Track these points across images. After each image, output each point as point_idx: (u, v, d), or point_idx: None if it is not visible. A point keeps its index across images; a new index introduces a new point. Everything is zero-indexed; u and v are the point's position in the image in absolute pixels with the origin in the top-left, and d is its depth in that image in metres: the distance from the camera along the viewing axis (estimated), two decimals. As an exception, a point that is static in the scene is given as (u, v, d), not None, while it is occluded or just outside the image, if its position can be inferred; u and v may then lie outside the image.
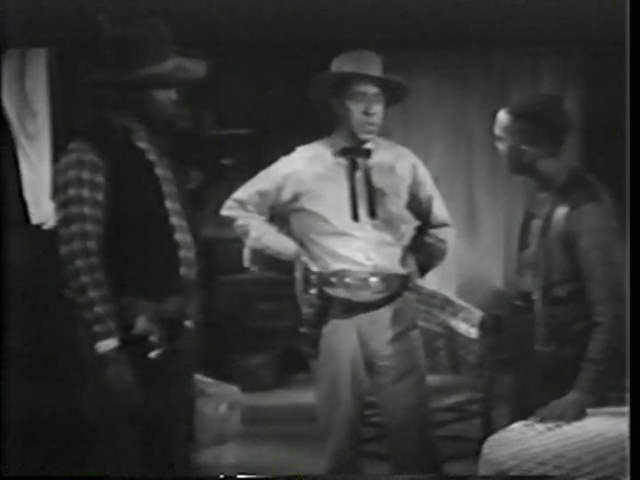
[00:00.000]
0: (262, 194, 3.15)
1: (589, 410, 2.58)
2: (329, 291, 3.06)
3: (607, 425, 2.49)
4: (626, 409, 2.28)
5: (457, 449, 3.62)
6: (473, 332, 3.90)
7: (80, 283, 2.45)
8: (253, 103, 5.62)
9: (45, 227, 5.12)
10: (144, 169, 2.60)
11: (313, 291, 3.06)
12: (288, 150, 3.21)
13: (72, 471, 3.37)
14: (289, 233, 3.17)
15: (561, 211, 2.69)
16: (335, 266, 3.07)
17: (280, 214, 3.18)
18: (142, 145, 2.62)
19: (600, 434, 2.43)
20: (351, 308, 3.07)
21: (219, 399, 4.34)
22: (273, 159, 3.22)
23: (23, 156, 5.10)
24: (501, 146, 2.80)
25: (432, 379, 3.36)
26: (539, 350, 2.72)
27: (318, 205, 3.09)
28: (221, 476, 2.54)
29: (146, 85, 2.56)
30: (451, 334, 4.00)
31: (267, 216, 3.17)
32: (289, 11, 4.49)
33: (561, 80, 5.91)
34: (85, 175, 2.49)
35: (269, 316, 5.54)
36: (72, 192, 2.48)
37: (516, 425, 2.56)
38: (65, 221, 2.49)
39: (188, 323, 2.66)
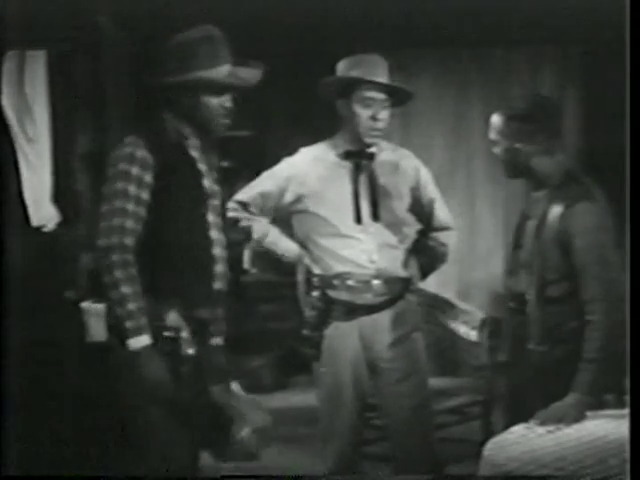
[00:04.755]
0: (264, 196, 3.15)
1: (589, 413, 2.58)
2: (331, 293, 3.06)
3: (607, 428, 2.49)
4: (625, 411, 2.29)
5: (458, 451, 3.62)
6: (473, 334, 3.90)
7: (114, 278, 2.44)
8: (255, 105, 5.62)
9: (45, 229, 5.12)
10: (193, 178, 2.58)
11: (315, 293, 3.06)
12: (291, 152, 3.21)
13: (72, 471, 3.38)
14: (291, 235, 3.17)
15: (556, 210, 2.70)
16: (337, 268, 3.07)
17: (283, 216, 3.18)
18: (194, 154, 2.60)
19: (600, 437, 2.44)
20: (353, 310, 3.07)
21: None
22: (276, 160, 3.22)
23: (23, 158, 5.10)
24: (496, 150, 2.82)
25: (433, 381, 3.37)
26: (533, 350, 2.73)
27: (321, 207, 3.09)
28: (221, 475, 2.52)
29: (198, 89, 2.54)
30: (452, 337, 4.00)
31: (269, 218, 3.17)
32: (291, 13, 4.49)
33: (561, 81, 5.92)
34: (134, 171, 2.48)
35: (270, 318, 5.55)
36: (119, 186, 2.47)
37: (517, 427, 2.56)
38: (107, 214, 2.48)
39: (218, 340, 2.64)
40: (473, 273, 5.86)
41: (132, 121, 2.70)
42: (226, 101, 2.57)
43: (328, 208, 3.08)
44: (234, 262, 2.70)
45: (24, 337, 3.98)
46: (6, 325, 3.31)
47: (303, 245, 3.13)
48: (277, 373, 5.60)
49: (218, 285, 2.59)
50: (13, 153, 5.13)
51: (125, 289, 2.43)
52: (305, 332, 3.09)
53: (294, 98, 4.97)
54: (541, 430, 2.51)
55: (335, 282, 3.07)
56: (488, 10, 4.77)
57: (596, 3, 4.32)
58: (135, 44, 5.23)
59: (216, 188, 2.64)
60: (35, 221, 5.14)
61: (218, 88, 2.55)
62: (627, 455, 2.13)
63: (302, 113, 3.95)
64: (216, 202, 2.63)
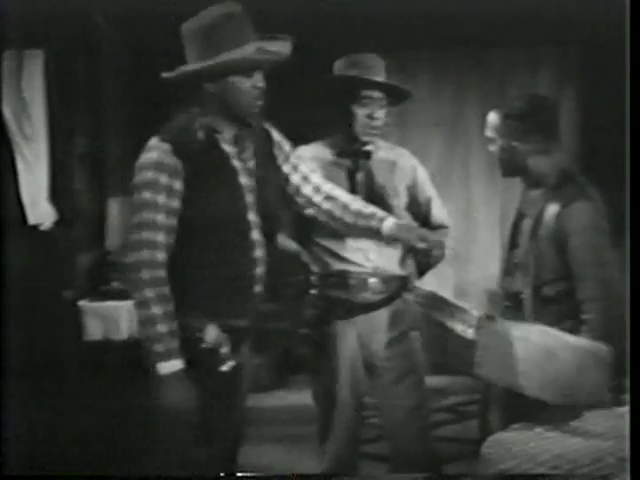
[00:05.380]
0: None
1: (586, 412, 2.58)
2: (329, 292, 3.07)
3: (605, 427, 2.49)
4: (621, 410, 2.30)
5: (456, 450, 3.63)
6: (470, 333, 3.90)
7: (143, 296, 2.28)
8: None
9: (42, 228, 5.13)
10: (227, 176, 2.40)
11: (313, 292, 3.06)
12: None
13: (72, 471, 3.38)
14: (289, 233, 3.17)
15: (552, 209, 2.70)
16: (335, 267, 3.08)
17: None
18: (227, 148, 2.42)
19: (598, 435, 2.44)
20: (351, 309, 3.07)
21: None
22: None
23: (20, 157, 5.10)
24: (493, 148, 2.82)
25: (431, 380, 3.37)
26: None
27: (318, 206, 3.09)
28: (221, 474, 2.50)
29: (227, 71, 2.33)
30: (449, 335, 4.00)
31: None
32: (290, 13, 4.49)
33: (559, 80, 5.93)
34: (163, 179, 2.31)
35: (268, 317, 5.53)
36: (147, 196, 2.30)
37: (515, 426, 2.56)
38: (137, 227, 2.31)
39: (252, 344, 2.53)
40: (470, 272, 5.87)
41: (147, 121, 2.53)
42: (258, 81, 2.37)
43: (325, 207, 3.08)
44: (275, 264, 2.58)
45: (22, 336, 3.98)
46: (5, 325, 3.31)
47: (301, 244, 3.13)
48: (276, 372, 5.59)
49: (258, 289, 2.46)
50: (10, 152, 5.13)
51: (156, 309, 2.28)
52: (303, 331, 3.09)
53: (292, 97, 4.96)
54: (539, 429, 2.51)
55: (333, 281, 3.07)
56: (485, 11, 4.77)
57: (594, 3, 4.33)
58: (142, 39, 5.19)
59: (253, 184, 2.45)
60: (32, 220, 5.14)
61: (248, 67, 2.34)
62: (627, 454, 2.13)
63: (300, 112, 3.94)
64: (254, 198, 2.45)
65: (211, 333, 2.38)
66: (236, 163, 2.44)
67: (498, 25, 5.12)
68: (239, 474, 2.57)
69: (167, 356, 2.29)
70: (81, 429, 3.89)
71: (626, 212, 2.26)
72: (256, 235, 2.45)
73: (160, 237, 2.32)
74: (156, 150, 2.34)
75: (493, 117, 2.80)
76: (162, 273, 2.32)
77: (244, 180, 2.45)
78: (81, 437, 3.81)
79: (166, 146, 2.34)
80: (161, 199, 2.32)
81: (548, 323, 2.68)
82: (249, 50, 2.33)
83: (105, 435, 3.89)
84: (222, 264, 2.39)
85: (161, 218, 2.32)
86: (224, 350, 2.39)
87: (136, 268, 2.31)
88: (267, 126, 2.56)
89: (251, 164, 2.48)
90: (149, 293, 2.29)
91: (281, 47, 2.39)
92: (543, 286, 2.70)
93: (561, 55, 5.90)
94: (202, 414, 2.33)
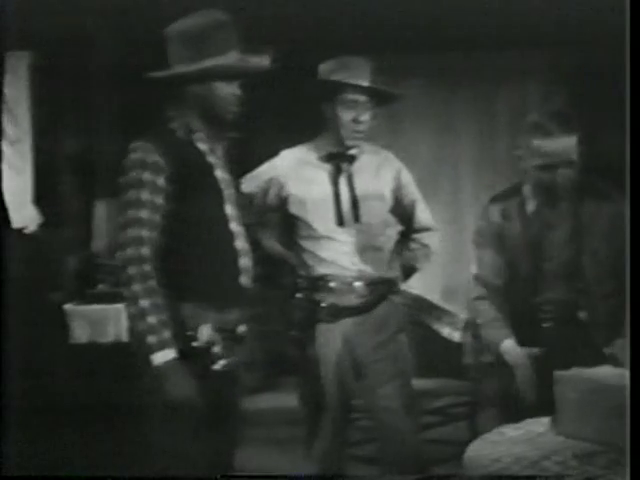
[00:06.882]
0: (247, 198, 3.14)
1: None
2: (315, 295, 3.06)
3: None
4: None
5: (444, 452, 3.63)
6: (457, 336, 3.92)
7: (132, 292, 2.36)
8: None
9: (26, 231, 5.11)
10: (205, 172, 2.50)
11: (300, 295, 3.06)
12: (273, 154, 3.21)
13: (73, 471, 3.38)
14: (275, 237, 3.17)
15: (586, 215, 2.77)
16: (320, 270, 3.07)
17: (265, 218, 3.18)
18: (203, 147, 2.52)
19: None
20: (337, 312, 3.07)
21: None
22: (258, 163, 3.22)
23: (4, 159, 5.08)
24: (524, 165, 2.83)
25: (418, 383, 3.37)
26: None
27: (303, 209, 3.09)
28: (218, 476, 2.50)
29: (209, 76, 2.45)
30: (436, 338, 4.01)
31: (252, 220, 3.17)
32: (274, 14, 4.49)
33: (549, 83, 5.95)
34: (146, 177, 2.40)
35: (255, 320, 5.53)
36: (132, 194, 2.40)
37: (502, 428, 2.56)
38: (123, 225, 2.40)
39: (242, 329, 2.55)
40: (457, 275, 5.87)
41: (129, 123, 2.60)
42: (235, 89, 2.49)
43: (310, 210, 3.08)
44: (260, 256, 2.65)
45: (7, 339, 3.96)
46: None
47: (286, 247, 3.13)
48: (264, 374, 5.59)
49: (244, 280, 2.51)
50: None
51: (144, 302, 2.35)
52: (291, 333, 3.09)
53: (278, 100, 4.95)
54: (526, 431, 2.51)
55: (319, 284, 3.07)
56: (475, 12, 4.78)
57: (589, 4, 4.34)
58: (128, 41, 5.18)
59: (228, 177, 2.56)
60: (16, 223, 5.12)
61: (229, 75, 2.47)
62: (627, 453, 2.13)
63: (287, 115, 3.95)
64: (231, 191, 2.55)
65: (204, 332, 2.42)
66: (212, 159, 2.54)
67: (487, 27, 5.13)
68: (239, 474, 2.58)
69: (160, 346, 2.34)
70: (68, 434, 3.88)
71: (626, 212, 2.26)
72: (235, 227, 2.53)
73: (145, 232, 2.39)
74: (139, 149, 2.43)
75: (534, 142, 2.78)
76: (148, 267, 2.38)
77: (219, 174, 2.54)
78: (68, 439, 3.80)
79: (148, 145, 2.43)
80: (145, 196, 2.40)
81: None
82: (232, 58, 2.45)
83: (94, 437, 3.88)
84: (207, 256, 2.46)
85: (145, 214, 2.39)
86: (217, 349, 2.43)
87: (124, 265, 2.38)
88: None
89: (223, 160, 2.59)
90: (137, 287, 2.36)
91: (262, 60, 2.51)
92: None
93: (554, 58, 5.92)
94: (199, 412, 2.38)
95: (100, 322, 5.10)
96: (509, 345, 2.79)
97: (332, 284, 3.07)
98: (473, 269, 2.92)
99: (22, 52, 5.08)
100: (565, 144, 2.74)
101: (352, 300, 3.08)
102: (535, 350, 2.78)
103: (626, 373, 2.19)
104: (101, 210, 5.54)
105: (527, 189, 2.89)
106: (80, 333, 5.12)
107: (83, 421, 3.99)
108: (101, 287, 5.28)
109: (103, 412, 4.08)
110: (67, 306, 5.18)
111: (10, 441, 2.98)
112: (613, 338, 2.72)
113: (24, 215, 5.12)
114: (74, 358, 4.92)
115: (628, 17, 2.20)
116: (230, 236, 2.50)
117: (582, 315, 2.79)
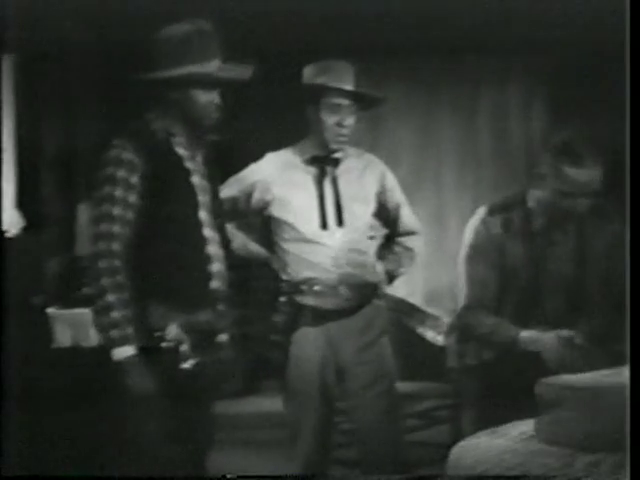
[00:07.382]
0: (230, 201, 3.14)
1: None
2: (299, 299, 3.07)
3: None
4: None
5: (427, 455, 3.64)
6: (440, 339, 3.92)
7: (100, 286, 2.39)
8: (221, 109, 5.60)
9: (8, 235, 5.07)
10: (181, 176, 2.53)
11: (283, 299, 3.06)
12: (257, 157, 3.21)
13: (73, 471, 3.37)
14: (258, 240, 3.17)
15: (594, 229, 2.80)
16: (304, 274, 3.07)
17: (249, 221, 3.18)
18: (181, 151, 2.55)
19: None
20: (321, 316, 3.07)
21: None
22: (242, 166, 3.22)
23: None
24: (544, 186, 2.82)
25: (401, 386, 3.37)
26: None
27: (287, 213, 3.09)
28: (219, 476, 2.51)
29: (189, 84, 2.48)
30: (419, 341, 4.02)
31: (236, 223, 3.17)
32: (258, 19, 4.49)
33: (530, 87, 5.97)
34: (121, 174, 2.43)
35: (238, 323, 5.52)
36: (105, 190, 2.43)
37: (484, 431, 2.57)
38: (94, 220, 2.44)
39: (222, 337, 2.57)
40: (441, 278, 5.89)
41: (112, 127, 2.61)
42: (215, 97, 2.53)
43: (294, 214, 3.08)
44: (235, 262, 2.65)
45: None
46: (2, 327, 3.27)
47: (270, 250, 3.13)
48: (247, 378, 5.58)
49: (215, 284, 2.53)
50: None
51: (111, 297, 2.38)
52: (273, 337, 3.09)
53: (262, 103, 4.96)
54: (508, 434, 2.52)
55: (302, 287, 3.07)
56: (458, 18, 4.80)
57: (587, 6, 4.36)
58: (111, 45, 5.18)
59: (205, 184, 2.58)
60: (-2, 226, 5.09)
61: (210, 83, 2.51)
62: (627, 453, 2.14)
63: (271, 118, 3.95)
64: (207, 199, 2.57)
65: (172, 331, 2.43)
66: (189, 165, 2.56)
67: (470, 32, 5.15)
68: (239, 474, 2.58)
69: (121, 342, 2.37)
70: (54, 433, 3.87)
71: (626, 212, 2.27)
72: (208, 232, 2.54)
73: (116, 228, 2.42)
74: (116, 147, 2.46)
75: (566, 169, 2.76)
76: (118, 262, 2.41)
77: (196, 180, 2.56)
78: (53, 439, 3.79)
79: (125, 144, 2.46)
80: (118, 192, 2.43)
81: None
82: (212, 67, 2.49)
83: (79, 437, 3.87)
84: (178, 259, 2.49)
85: (118, 211, 2.42)
86: (184, 348, 2.44)
87: (93, 259, 2.41)
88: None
89: (202, 167, 2.60)
90: (105, 282, 2.39)
91: (243, 71, 2.55)
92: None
93: (530, 61, 5.94)
94: (168, 412, 2.40)
95: (83, 326, 5.08)
96: (528, 334, 2.75)
97: (316, 287, 3.07)
98: (463, 287, 2.90)
99: (5, 55, 5.05)
100: (593, 176, 2.72)
101: (336, 303, 3.08)
102: (564, 332, 2.75)
103: (626, 373, 2.20)
104: (83, 213, 5.52)
105: (535, 203, 2.85)
106: (63, 337, 5.09)
107: (66, 423, 3.97)
108: (85, 290, 5.26)
109: (86, 414, 4.06)
110: (50, 310, 5.16)
111: (12, 441, 2.97)
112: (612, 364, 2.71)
113: (6, 219, 5.09)
114: (57, 362, 4.90)
115: (628, 17, 2.21)
116: (203, 241, 2.52)
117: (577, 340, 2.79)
